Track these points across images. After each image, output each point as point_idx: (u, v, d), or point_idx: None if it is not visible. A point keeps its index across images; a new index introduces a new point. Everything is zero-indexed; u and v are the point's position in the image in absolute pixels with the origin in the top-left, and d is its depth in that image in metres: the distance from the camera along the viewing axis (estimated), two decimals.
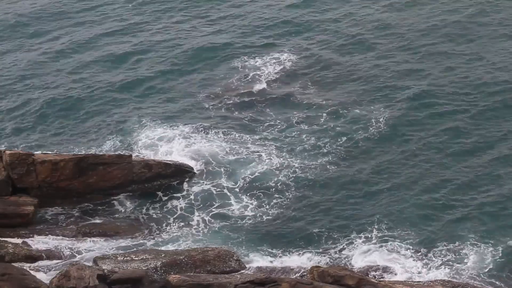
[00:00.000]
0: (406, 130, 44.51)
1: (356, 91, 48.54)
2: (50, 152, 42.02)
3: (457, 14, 56.88)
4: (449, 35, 54.37)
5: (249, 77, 50.92)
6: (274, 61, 52.69)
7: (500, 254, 36.08)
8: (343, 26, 56.71)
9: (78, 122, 46.85)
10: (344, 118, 45.97)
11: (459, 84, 48.41)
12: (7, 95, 50.11)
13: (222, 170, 42.25)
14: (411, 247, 36.74)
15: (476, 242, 36.79)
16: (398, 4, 59.35)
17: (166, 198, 40.71)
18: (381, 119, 45.44)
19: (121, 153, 42.25)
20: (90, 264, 35.01)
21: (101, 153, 41.76)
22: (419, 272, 35.41)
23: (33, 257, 35.74)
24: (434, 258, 36.16)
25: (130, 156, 40.73)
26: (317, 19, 58.12)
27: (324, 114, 46.52)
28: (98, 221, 39.11)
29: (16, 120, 47.29)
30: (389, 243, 37.01)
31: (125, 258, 35.21)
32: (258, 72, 51.35)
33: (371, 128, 44.83)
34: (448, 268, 35.56)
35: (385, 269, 35.55)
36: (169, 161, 41.98)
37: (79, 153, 42.01)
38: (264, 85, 49.99)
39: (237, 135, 45.07)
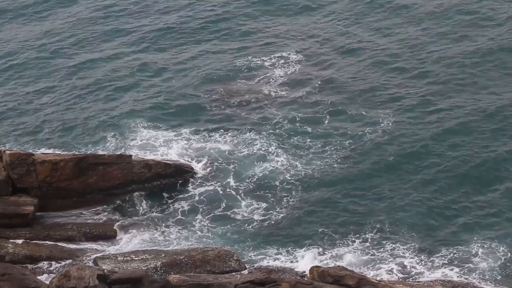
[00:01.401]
0: (411, 134, 44.22)
1: (364, 94, 48.13)
2: (50, 152, 42.02)
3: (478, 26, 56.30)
4: (467, 46, 53.07)
5: (255, 77, 50.65)
6: (282, 61, 52.40)
7: (503, 255, 36.10)
8: (354, 29, 56.33)
9: (78, 122, 46.78)
10: (350, 121, 45.70)
11: (469, 93, 47.82)
12: (7, 95, 50.12)
13: (226, 170, 42.16)
14: (412, 247, 36.74)
15: (478, 243, 36.77)
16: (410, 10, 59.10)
17: (169, 198, 40.66)
18: (388, 124, 45.10)
19: (121, 153, 42.28)
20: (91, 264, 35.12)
21: (101, 153, 41.74)
22: (420, 272, 35.41)
23: (33, 257, 35.77)
24: (435, 258, 36.15)
25: (130, 156, 40.71)
26: (327, 20, 57.86)
27: (331, 116, 46.27)
28: (99, 221, 39.14)
29: (16, 120, 47.31)
30: (391, 244, 37.01)
31: (125, 258, 35.22)
32: (264, 72, 51.01)
33: (377, 131, 44.51)
34: (449, 268, 35.58)
35: (386, 269, 35.55)
36: (169, 161, 41.97)
37: (79, 153, 41.96)
38: (270, 86, 49.77)
39: (241, 136, 44.97)
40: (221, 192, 40.92)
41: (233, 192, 40.87)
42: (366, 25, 56.43)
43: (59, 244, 37.10)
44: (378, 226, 37.98)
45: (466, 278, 35.01)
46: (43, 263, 35.71)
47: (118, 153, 42.18)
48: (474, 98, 47.10)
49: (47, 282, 33.35)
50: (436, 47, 52.62)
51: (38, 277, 34.06)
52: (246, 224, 38.83)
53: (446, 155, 42.53)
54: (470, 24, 54.97)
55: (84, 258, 36.14)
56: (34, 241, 37.03)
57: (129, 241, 37.61)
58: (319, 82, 49.79)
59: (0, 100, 49.67)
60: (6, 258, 35.19)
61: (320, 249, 36.94)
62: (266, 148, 43.81)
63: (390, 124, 45.06)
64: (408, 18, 56.80)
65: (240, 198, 40.46)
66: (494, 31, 54.09)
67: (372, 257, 36.32)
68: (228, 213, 39.63)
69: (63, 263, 35.72)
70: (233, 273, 34.56)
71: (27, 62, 53.96)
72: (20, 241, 36.63)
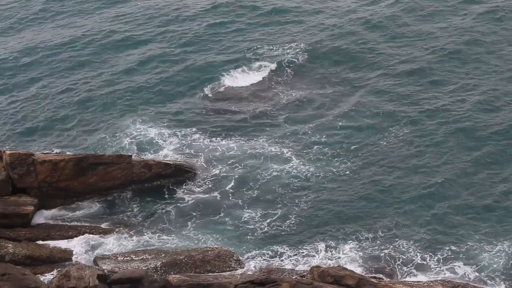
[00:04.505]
0: (421, 138, 44.17)
1: (374, 96, 48.08)
2: (50, 152, 42.03)
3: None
4: (479, 43, 53.34)
5: (260, 75, 50.58)
6: (290, 58, 52.11)
7: (505, 255, 36.14)
8: (363, 28, 56.28)
9: (78, 123, 46.79)
10: (361, 124, 45.60)
11: (478, 97, 47.75)
12: (8, 95, 50.13)
13: (228, 171, 42.09)
14: (414, 248, 36.72)
15: (481, 243, 36.81)
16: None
17: (169, 198, 40.64)
18: (399, 128, 45.03)
19: (121, 152, 42.29)
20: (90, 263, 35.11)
21: (101, 153, 41.75)
22: (421, 272, 35.42)
23: (33, 257, 35.76)
24: (436, 259, 36.15)
25: (130, 156, 40.71)
26: (334, 19, 57.70)
27: (340, 118, 46.24)
28: (98, 221, 39.12)
29: (16, 120, 47.30)
30: (392, 244, 36.98)
31: (125, 258, 35.24)
32: (271, 70, 50.92)
33: (389, 136, 44.49)
34: (450, 268, 35.59)
35: (387, 269, 35.57)
36: (169, 161, 41.96)
37: (79, 153, 41.95)
38: (276, 84, 49.66)
39: (243, 136, 44.92)
40: (222, 192, 40.87)
41: (235, 193, 40.82)
42: (380, 24, 56.34)
43: (59, 244, 37.11)
44: (379, 228, 37.97)
45: (467, 278, 35.04)
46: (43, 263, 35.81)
47: (118, 153, 42.19)
48: (485, 102, 47.06)
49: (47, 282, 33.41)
50: (452, 54, 52.42)
51: (38, 277, 34.04)
52: (247, 224, 38.78)
53: (453, 157, 42.55)
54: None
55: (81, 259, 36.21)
56: (34, 241, 37.05)
57: (127, 242, 37.56)
58: (327, 82, 49.74)
59: (0, 100, 49.80)
60: (6, 258, 35.19)
61: (320, 249, 36.94)
62: (270, 149, 43.73)
63: (402, 129, 44.87)
64: (426, 21, 56.73)
65: (241, 199, 40.39)
66: None
67: (372, 257, 36.33)
68: (229, 213, 39.57)
69: (63, 263, 35.75)
70: (233, 273, 34.57)
71: (27, 63, 53.96)
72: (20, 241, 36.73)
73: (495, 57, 51.72)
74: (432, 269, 35.59)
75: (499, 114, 45.73)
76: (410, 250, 36.60)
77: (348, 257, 36.18)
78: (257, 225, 38.68)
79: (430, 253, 36.41)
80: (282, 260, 36.25)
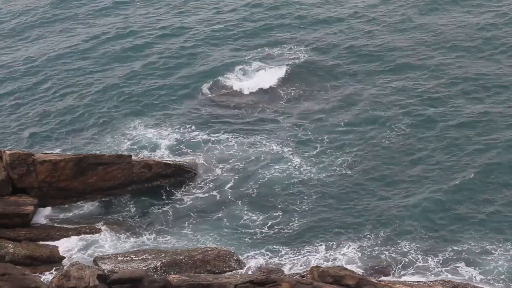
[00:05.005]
0: (423, 138, 44.07)
1: (376, 95, 47.98)
2: (50, 152, 42.01)
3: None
4: (489, 41, 53.23)
5: (261, 74, 50.50)
6: (291, 57, 52.11)
7: (509, 257, 36.03)
8: (362, 25, 56.20)
9: (77, 123, 46.78)
10: (362, 123, 45.50)
11: (479, 94, 47.81)
12: (8, 95, 50.13)
13: (228, 171, 42.02)
14: (415, 248, 36.61)
15: (483, 244, 36.67)
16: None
17: (167, 198, 40.63)
18: (400, 127, 44.94)
19: (121, 152, 42.27)
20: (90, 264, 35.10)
21: (101, 153, 41.73)
22: (422, 273, 35.36)
23: (33, 257, 35.75)
24: (437, 260, 36.07)
25: (130, 156, 40.69)
26: (333, 16, 57.60)
27: (340, 117, 46.10)
28: (98, 221, 39.10)
29: (16, 120, 47.32)
30: (393, 246, 36.87)
31: (125, 258, 35.23)
32: (272, 70, 50.86)
33: (390, 134, 44.37)
34: (452, 270, 35.52)
35: (387, 269, 35.52)
36: (169, 161, 41.93)
37: (79, 153, 41.95)
38: (278, 82, 49.61)
39: (244, 136, 44.84)
40: (222, 192, 40.81)
41: (235, 193, 40.75)
42: (382, 22, 56.24)
43: (59, 244, 37.09)
44: (380, 228, 37.89)
45: (467, 279, 35.00)
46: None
47: (118, 153, 42.17)
48: (493, 101, 46.94)
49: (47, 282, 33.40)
50: (460, 51, 52.32)
51: (38, 277, 34.02)
52: (248, 224, 38.74)
53: (457, 157, 42.45)
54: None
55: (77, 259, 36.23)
56: (34, 241, 37.04)
57: (126, 243, 37.52)
58: (329, 82, 49.61)
59: (0, 100, 49.79)
60: (6, 258, 35.18)
61: (320, 249, 36.89)
62: (271, 148, 43.67)
63: (405, 129, 44.74)
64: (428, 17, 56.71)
65: (241, 199, 40.33)
66: None
67: (373, 257, 36.28)
68: (229, 213, 39.53)
69: (62, 263, 35.74)
70: (233, 273, 34.53)
71: (30, 66, 53.96)
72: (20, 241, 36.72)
73: (507, 56, 51.61)
74: (433, 270, 35.46)
75: (509, 115, 45.59)
76: (411, 251, 36.50)
77: (348, 257, 36.14)
78: (257, 225, 38.62)
79: (432, 255, 36.28)
80: (282, 260, 36.26)
